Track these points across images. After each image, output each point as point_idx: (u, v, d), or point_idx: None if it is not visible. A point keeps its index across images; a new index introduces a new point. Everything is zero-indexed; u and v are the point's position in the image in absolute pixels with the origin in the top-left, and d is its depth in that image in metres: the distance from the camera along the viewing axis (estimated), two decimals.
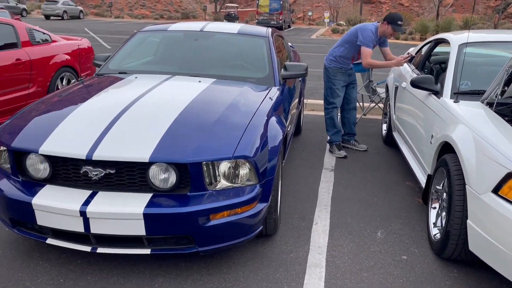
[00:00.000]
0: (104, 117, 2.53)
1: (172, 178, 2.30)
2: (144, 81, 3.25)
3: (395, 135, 4.65)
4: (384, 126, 5.29)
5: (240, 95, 3.07)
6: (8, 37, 5.07)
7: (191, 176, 2.28)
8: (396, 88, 4.69)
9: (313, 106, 6.86)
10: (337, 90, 4.59)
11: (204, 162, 2.28)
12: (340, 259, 2.75)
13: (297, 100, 4.38)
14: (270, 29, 4.28)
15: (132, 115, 2.57)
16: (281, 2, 30.97)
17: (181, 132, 2.44)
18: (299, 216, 3.27)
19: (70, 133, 2.41)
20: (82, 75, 6.25)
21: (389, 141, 4.97)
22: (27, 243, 2.77)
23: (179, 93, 3.02)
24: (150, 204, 2.24)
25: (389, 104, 5.02)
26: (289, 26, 34.16)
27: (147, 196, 2.29)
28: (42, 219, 2.31)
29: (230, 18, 35.02)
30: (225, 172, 2.36)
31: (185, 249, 2.35)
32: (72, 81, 5.99)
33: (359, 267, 2.66)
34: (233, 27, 4.13)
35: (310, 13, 40.48)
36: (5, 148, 2.44)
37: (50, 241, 2.41)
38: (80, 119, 2.54)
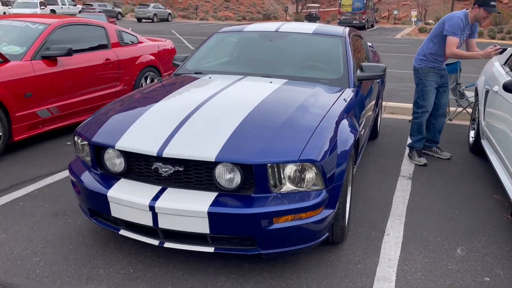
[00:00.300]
0: (175, 116, 2.60)
1: (237, 178, 2.30)
2: (217, 82, 3.30)
3: (484, 143, 4.24)
4: (472, 133, 4.86)
5: (311, 97, 2.99)
6: (100, 38, 5.47)
7: (256, 177, 2.26)
8: (487, 92, 4.28)
9: (393, 109, 6.52)
10: (429, 92, 4.24)
11: (269, 164, 2.24)
12: (412, 274, 2.56)
13: (373, 102, 4.18)
14: (347, 29, 4.13)
15: (202, 114, 2.62)
16: (365, 1, 30.06)
17: (248, 133, 2.43)
18: (369, 225, 3.11)
19: (144, 130, 2.51)
20: (164, 74, 6.56)
21: (477, 150, 4.56)
22: (104, 233, 2.94)
23: (250, 93, 3.02)
24: (215, 203, 2.26)
25: (478, 109, 4.60)
26: (372, 26, 33.07)
27: (213, 195, 2.31)
28: (116, 211, 2.44)
29: (311, 18, 34.77)
30: (290, 175, 2.31)
31: (247, 251, 2.34)
32: (155, 80, 6.32)
33: (433, 286, 2.46)
34: (309, 27, 4.05)
35: (395, 12, 38.82)
36: (87, 142, 2.61)
37: (122, 232, 2.53)
38: (153, 117, 2.64)
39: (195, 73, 3.65)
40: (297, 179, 2.31)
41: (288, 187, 2.31)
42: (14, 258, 2.64)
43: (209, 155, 2.27)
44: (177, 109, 2.71)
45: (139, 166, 2.46)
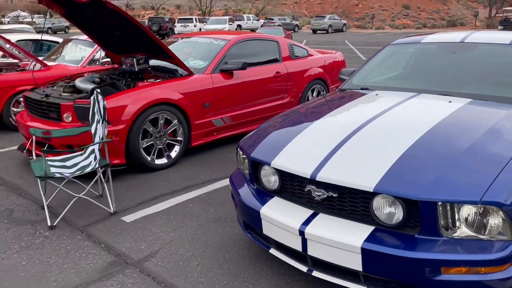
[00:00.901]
0: (334, 136, 2.44)
1: (399, 214, 2.00)
2: (385, 99, 3.01)
3: None
4: None
5: (504, 120, 2.46)
6: (272, 52, 5.68)
7: (422, 215, 1.92)
8: None
9: None
10: None
11: (440, 202, 1.89)
12: None
13: None
14: None
15: (364, 136, 2.39)
16: None
17: (416, 161, 2.10)
18: None
19: (300, 149, 2.42)
20: (332, 87, 6.46)
21: None
22: (257, 246, 2.96)
23: (423, 114, 2.65)
24: (370, 238, 2.01)
25: None
26: None
27: (368, 229, 2.06)
28: (267, 229, 2.40)
29: (507, 24, 30.28)
30: (467, 218, 1.90)
31: None
32: (322, 93, 6.26)
33: None
34: (505, 36, 3.40)
35: None
36: (246, 156, 2.65)
37: (272, 251, 2.48)
38: (311, 136, 2.53)
39: (361, 88, 3.42)
40: (477, 224, 1.89)
41: (463, 231, 1.91)
42: (178, 258, 2.84)
43: (367, 183, 2.03)
44: (337, 128, 2.54)
45: (293, 186, 2.37)
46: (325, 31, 37.66)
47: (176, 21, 34.42)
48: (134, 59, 4.86)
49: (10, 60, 6.59)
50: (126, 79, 4.86)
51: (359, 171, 2.11)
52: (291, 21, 41.81)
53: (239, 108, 5.14)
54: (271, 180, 2.49)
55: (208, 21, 34.86)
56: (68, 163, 3.48)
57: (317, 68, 6.14)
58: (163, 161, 4.47)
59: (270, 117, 5.55)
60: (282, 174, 2.41)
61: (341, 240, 2.04)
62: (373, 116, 2.63)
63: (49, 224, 3.26)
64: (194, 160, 4.77)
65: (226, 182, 4.10)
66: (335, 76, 6.48)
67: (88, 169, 3.31)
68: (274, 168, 2.41)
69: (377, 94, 3.17)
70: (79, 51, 7.09)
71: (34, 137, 3.52)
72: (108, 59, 6.70)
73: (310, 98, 6.08)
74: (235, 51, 5.21)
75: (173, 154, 4.56)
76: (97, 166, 3.33)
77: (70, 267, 2.75)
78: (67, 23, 40.94)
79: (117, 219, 3.39)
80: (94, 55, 6.63)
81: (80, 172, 3.27)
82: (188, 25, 33.24)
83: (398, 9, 79.06)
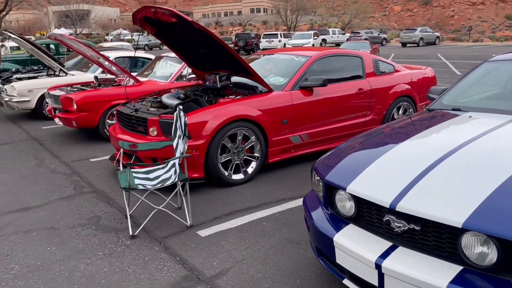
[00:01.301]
0: (419, 161, 2.24)
1: (492, 254, 1.76)
2: (479, 121, 2.71)
3: None
4: None
5: None
6: (356, 68, 5.50)
7: None
8: None
9: None
10: None
11: None
12: None
13: None
14: None
15: (453, 163, 2.16)
16: None
17: None
18: None
19: (379, 175, 2.25)
20: (420, 105, 6.07)
21: None
22: (331, 274, 2.81)
23: None
24: (457, 280, 1.79)
25: None
26: None
27: (455, 269, 1.84)
28: (340, 258, 2.26)
29: None
30: None
31: None
32: (408, 111, 5.91)
33: None
34: None
35: None
36: (320, 178, 2.54)
37: (346, 282, 2.33)
38: (392, 161, 2.35)
39: (453, 109, 3.14)
40: None
41: None
42: (248, 279, 2.80)
43: (456, 218, 1.82)
44: (423, 153, 2.33)
45: (370, 215, 2.21)
46: (415, 44, 35.97)
47: (262, 36, 35.22)
48: (217, 76, 5.00)
49: (108, 76, 7.18)
50: (209, 95, 5.01)
51: (446, 203, 1.90)
52: (378, 34, 40.63)
53: (318, 125, 5.03)
54: (346, 206, 2.36)
55: (293, 36, 35.17)
56: (151, 175, 3.64)
57: (404, 85, 5.81)
58: (239, 176, 4.50)
59: (351, 135, 5.35)
60: (359, 201, 2.26)
61: (423, 279, 1.84)
62: (465, 141, 2.38)
63: (130, 233, 3.43)
64: (270, 177, 4.74)
65: (301, 201, 4.01)
66: (424, 93, 6.09)
67: (168, 182, 3.42)
68: (350, 193, 2.28)
69: (470, 116, 2.88)
70: (168, 68, 7.51)
71: (122, 150, 3.75)
72: (194, 76, 7.00)
73: (396, 116, 5.77)
74: (316, 67, 5.13)
75: (250, 170, 4.58)
76: (176, 179, 3.44)
77: (146, 278, 2.84)
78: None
79: (192, 233, 3.45)
80: (182, 72, 6.97)
81: (161, 184, 3.40)
82: (273, 41, 33.83)
83: (499, 20, 73.12)
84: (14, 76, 8.74)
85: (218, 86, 5.05)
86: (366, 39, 34.56)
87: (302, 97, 4.86)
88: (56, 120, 6.69)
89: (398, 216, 2.03)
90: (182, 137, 3.55)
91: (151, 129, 4.31)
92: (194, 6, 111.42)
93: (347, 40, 37.59)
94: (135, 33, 57.39)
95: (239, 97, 4.74)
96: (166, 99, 4.72)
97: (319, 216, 2.51)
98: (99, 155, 5.78)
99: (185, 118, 3.46)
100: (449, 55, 23.10)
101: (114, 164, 4.76)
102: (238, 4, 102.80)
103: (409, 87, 5.86)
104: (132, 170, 3.65)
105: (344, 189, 2.29)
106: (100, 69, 8.52)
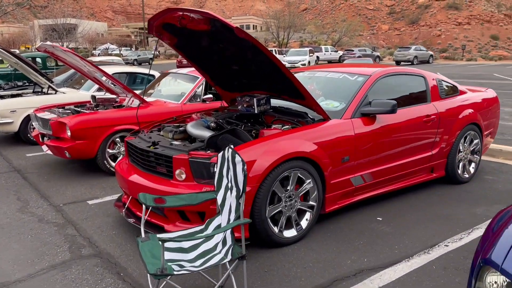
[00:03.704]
0: None
1: None
2: None
3: None
4: None
5: None
6: (419, 89, 4.51)
7: None
8: None
9: None
10: None
11: None
12: None
13: None
14: None
15: None
16: None
17: None
18: None
19: None
20: (485, 133, 5.10)
21: None
22: None
23: None
24: None
25: None
26: None
27: None
28: None
29: None
30: None
31: None
32: (475, 141, 4.91)
33: None
34: None
35: None
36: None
37: None
38: None
39: None
40: None
41: None
42: None
43: None
44: None
45: None
46: (410, 63, 35.60)
47: None
48: (255, 99, 3.94)
49: (108, 95, 6.06)
50: (245, 123, 3.93)
51: None
52: (372, 52, 40.23)
53: (382, 162, 3.99)
54: None
55: (288, 52, 34.48)
56: (186, 245, 2.53)
57: (469, 110, 4.83)
58: (291, 233, 3.40)
59: (414, 174, 4.33)
60: None
61: None
62: None
63: None
64: (327, 230, 3.65)
65: (389, 275, 2.92)
66: (489, 119, 5.13)
67: (215, 261, 2.32)
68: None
69: None
70: (178, 86, 6.43)
71: (144, 207, 2.63)
72: (209, 96, 5.94)
73: (461, 148, 4.77)
74: (376, 89, 4.12)
75: (304, 223, 3.49)
76: (229, 257, 2.33)
77: None
78: (150, 55, 42.89)
79: None
80: (196, 91, 5.90)
81: (205, 266, 2.29)
82: None
83: (485, 39, 74.13)
84: None
85: (256, 112, 3.99)
86: (360, 56, 34.10)
87: (364, 126, 3.82)
88: (44, 148, 5.52)
89: None
90: (235, 192, 2.45)
91: (177, 172, 3.21)
92: None
93: (340, 57, 37.06)
94: (123, 48, 56.11)
95: (287, 127, 3.68)
96: (193, 129, 3.64)
97: None
98: (99, 195, 4.63)
99: (243, 166, 2.36)
100: (449, 74, 22.53)
101: (124, 214, 3.62)
102: (227, 19, 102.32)
103: (473, 111, 4.87)
104: (159, 237, 2.53)
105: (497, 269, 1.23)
106: (96, 86, 7.40)
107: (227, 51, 3.76)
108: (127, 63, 32.43)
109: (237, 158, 2.39)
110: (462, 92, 4.99)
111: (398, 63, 36.41)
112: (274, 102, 4.27)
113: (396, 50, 39.19)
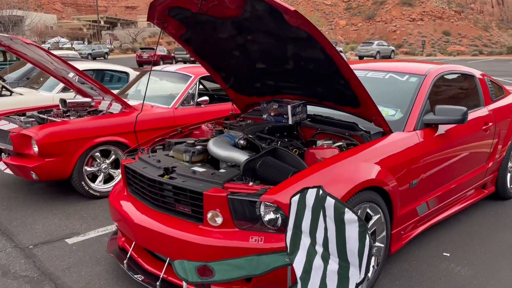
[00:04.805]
0: None
1: None
2: None
3: None
4: None
5: None
6: (471, 92, 3.81)
7: None
8: None
9: None
10: None
11: None
12: None
13: None
14: None
15: None
16: None
17: None
18: None
19: None
20: None
21: None
22: None
23: None
24: None
25: None
26: None
27: None
28: None
29: None
30: None
31: None
32: None
33: None
34: None
35: None
36: None
37: None
38: None
39: None
40: None
41: None
42: None
43: None
44: None
45: None
46: (372, 58, 35.80)
47: None
48: (289, 106, 3.07)
49: (81, 98, 4.96)
50: (279, 139, 3.04)
51: None
52: (335, 46, 40.15)
53: (445, 183, 3.25)
54: None
55: None
56: None
57: None
58: None
59: (469, 192, 3.63)
60: None
61: None
62: None
63: None
64: (392, 277, 2.86)
65: None
66: None
67: None
68: None
69: None
70: (164, 87, 5.43)
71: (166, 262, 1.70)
72: (204, 98, 4.99)
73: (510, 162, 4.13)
74: (432, 92, 3.36)
75: (369, 272, 2.68)
76: None
77: None
78: (106, 49, 40.59)
79: None
80: (189, 92, 4.93)
81: None
82: None
83: (437, 35, 76.48)
84: None
85: (290, 122, 3.13)
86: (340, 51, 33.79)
87: (429, 140, 3.05)
88: (2, 166, 4.38)
89: None
90: (325, 253, 1.58)
91: (210, 214, 2.28)
92: (138, 15, 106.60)
93: None
94: (75, 41, 52.99)
95: (339, 144, 2.83)
96: (218, 149, 2.71)
97: None
98: (79, 229, 3.59)
99: (360, 226, 1.50)
100: None
101: (125, 267, 2.64)
102: None
103: None
104: None
105: None
106: (60, 86, 6.23)
107: (256, 45, 2.86)
108: (82, 57, 30.27)
109: (337, 204, 1.52)
110: (508, 92, 4.35)
111: (361, 58, 36.53)
112: (312, 109, 3.40)
113: (359, 45, 39.28)
